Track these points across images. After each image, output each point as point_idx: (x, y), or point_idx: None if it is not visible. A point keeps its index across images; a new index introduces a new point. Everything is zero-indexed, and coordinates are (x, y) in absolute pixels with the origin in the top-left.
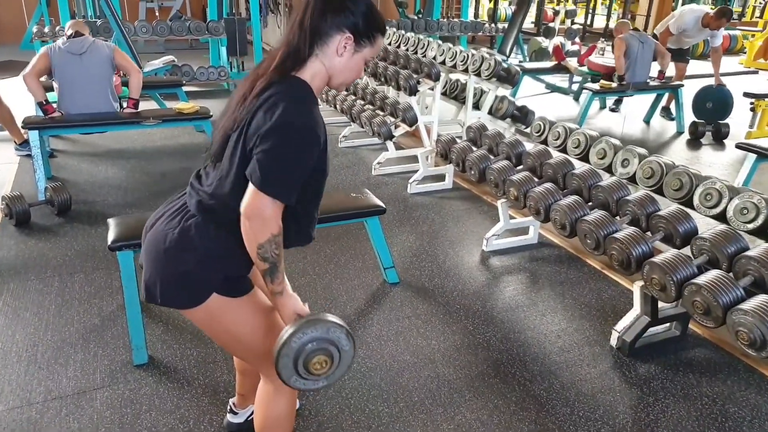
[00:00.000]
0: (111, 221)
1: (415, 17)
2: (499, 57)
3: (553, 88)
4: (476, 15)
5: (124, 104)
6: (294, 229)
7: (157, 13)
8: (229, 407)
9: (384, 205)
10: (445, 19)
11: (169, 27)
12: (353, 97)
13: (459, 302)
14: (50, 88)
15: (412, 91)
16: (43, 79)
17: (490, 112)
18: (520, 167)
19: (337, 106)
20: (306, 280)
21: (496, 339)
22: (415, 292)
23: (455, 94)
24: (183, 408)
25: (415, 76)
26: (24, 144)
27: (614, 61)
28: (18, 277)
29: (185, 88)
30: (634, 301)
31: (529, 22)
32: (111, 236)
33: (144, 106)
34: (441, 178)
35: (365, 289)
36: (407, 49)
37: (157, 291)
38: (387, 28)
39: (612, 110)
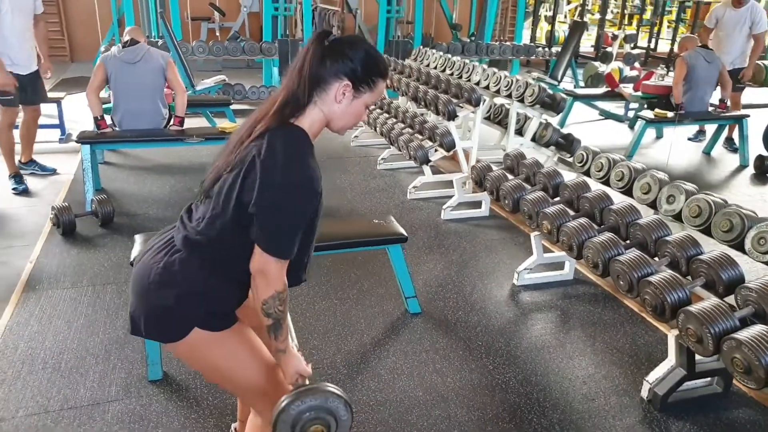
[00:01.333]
0: (137, 237)
1: (468, 40)
2: (545, 83)
3: (606, 115)
4: (533, 38)
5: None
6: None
7: (217, 34)
8: None
9: (406, 234)
10: (497, 43)
11: (224, 48)
12: (393, 120)
13: (481, 338)
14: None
15: (451, 116)
16: (104, 95)
17: (533, 139)
18: (557, 199)
19: (377, 128)
20: (326, 304)
21: (516, 381)
22: (436, 325)
23: (499, 119)
24: (189, 428)
25: (455, 101)
26: (29, 163)
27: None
28: (56, 285)
29: (237, 106)
30: (669, 351)
31: (588, 46)
32: (134, 252)
33: (195, 123)
34: (477, 205)
35: (385, 317)
36: (452, 73)
37: (141, 324)
38: (389, 71)
39: (691, 140)
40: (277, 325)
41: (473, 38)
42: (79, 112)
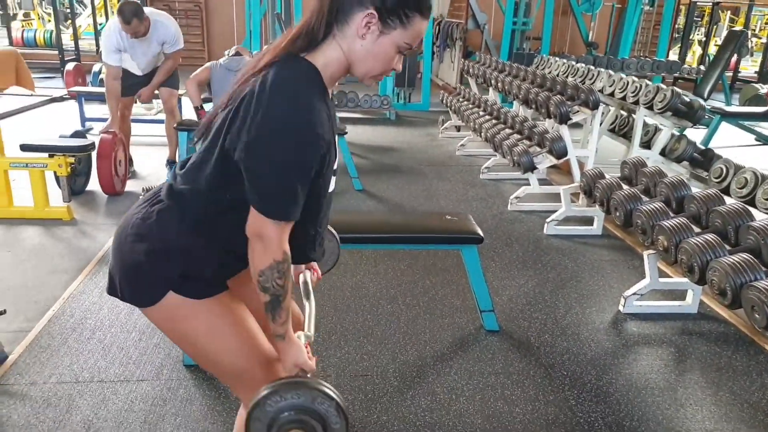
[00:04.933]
0: None
1: (603, 57)
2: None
3: (765, 140)
4: (682, 58)
5: None
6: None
7: None
8: None
9: (481, 234)
10: (634, 58)
11: None
12: (502, 126)
13: (567, 367)
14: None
15: (563, 119)
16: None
17: (662, 153)
18: (682, 214)
19: (482, 133)
20: (391, 308)
21: (604, 423)
22: (514, 346)
23: (624, 131)
24: (209, 420)
25: (569, 102)
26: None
27: None
28: None
29: (349, 114)
30: None
31: (752, 72)
32: None
33: None
34: (589, 221)
35: (455, 331)
36: (573, 80)
37: (116, 284)
38: (431, 8)
39: None
40: (275, 303)
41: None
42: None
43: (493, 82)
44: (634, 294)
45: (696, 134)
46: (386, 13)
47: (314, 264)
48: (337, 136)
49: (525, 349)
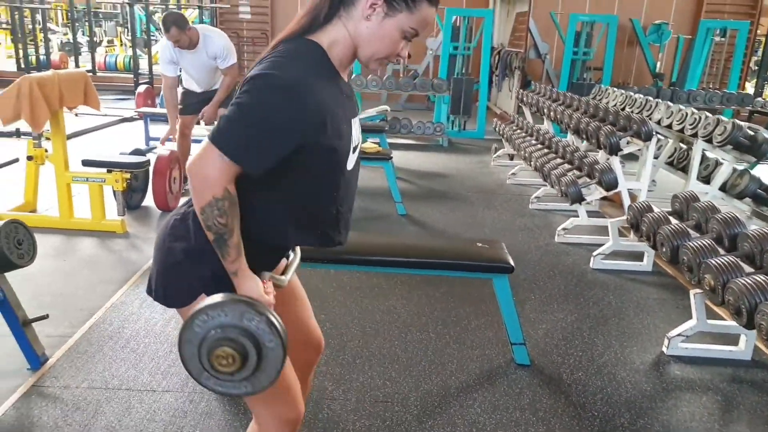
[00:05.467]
0: None
1: (668, 88)
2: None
3: None
4: (759, 92)
5: None
6: (300, 223)
7: (401, 75)
8: None
9: (512, 264)
10: (702, 90)
11: (395, 82)
12: (553, 155)
13: (599, 408)
14: None
15: (614, 150)
16: None
17: (722, 189)
18: (734, 253)
19: (531, 162)
20: (420, 336)
21: None
22: (544, 382)
23: (683, 164)
24: None
25: (620, 133)
26: None
27: None
28: None
29: (402, 140)
30: None
31: None
32: None
33: None
34: (639, 257)
35: (483, 363)
36: (631, 111)
37: (152, 284)
38: None
39: None
40: (220, 241)
41: (675, 86)
42: None
43: (545, 111)
44: (679, 335)
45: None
46: None
47: None
48: (355, 118)
49: (555, 386)
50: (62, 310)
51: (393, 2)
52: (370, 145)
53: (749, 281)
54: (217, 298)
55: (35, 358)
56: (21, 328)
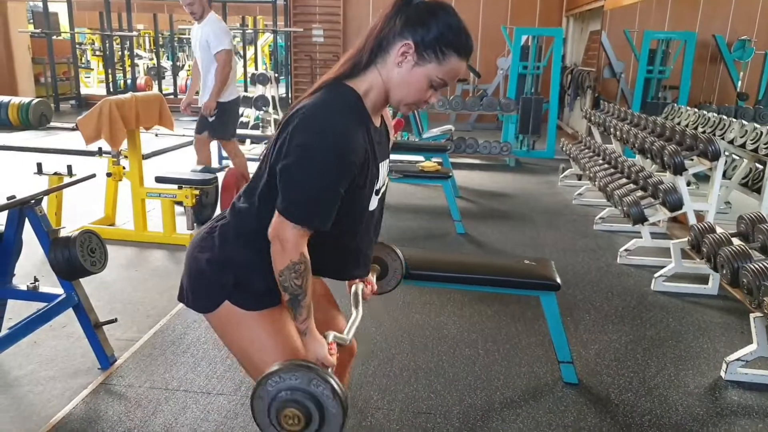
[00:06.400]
0: None
1: (751, 107)
2: None
3: None
4: None
5: None
6: (324, 256)
7: (470, 94)
8: None
9: (559, 282)
10: None
11: (462, 102)
12: (618, 175)
13: (645, 430)
14: None
15: (678, 170)
16: None
17: None
18: None
19: (596, 182)
20: (469, 352)
21: None
22: (591, 401)
23: (758, 186)
24: None
25: (685, 153)
26: None
27: None
28: None
29: (467, 160)
30: None
31: None
32: None
33: None
34: (704, 279)
35: (530, 380)
36: (704, 131)
37: (183, 291)
38: (470, 51)
39: None
40: (294, 301)
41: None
42: None
43: (612, 130)
44: (737, 359)
45: None
46: (423, 47)
47: (371, 278)
48: (385, 160)
49: (602, 406)
50: (131, 316)
51: (424, 53)
52: (431, 164)
53: None
54: (290, 363)
55: (105, 359)
56: (93, 330)
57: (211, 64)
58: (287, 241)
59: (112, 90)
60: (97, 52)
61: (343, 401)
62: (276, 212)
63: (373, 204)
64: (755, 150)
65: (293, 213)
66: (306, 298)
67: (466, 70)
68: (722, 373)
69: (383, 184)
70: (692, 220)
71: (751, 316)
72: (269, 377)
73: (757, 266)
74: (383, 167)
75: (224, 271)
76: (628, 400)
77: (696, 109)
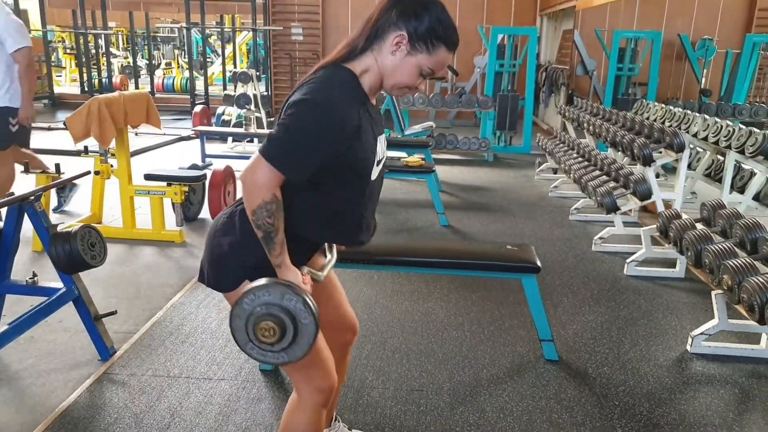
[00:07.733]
0: None
1: (713, 103)
2: None
3: None
4: None
5: None
6: (330, 223)
7: (449, 92)
8: None
9: (539, 264)
10: (748, 104)
11: (442, 99)
12: (592, 168)
13: (620, 398)
14: None
15: (647, 161)
16: None
17: (756, 198)
18: (754, 256)
19: (571, 174)
20: (456, 333)
21: None
22: (570, 375)
23: (720, 176)
24: (274, 417)
25: (653, 145)
26: None
27: None
28: None
29: (448, 156)
30: None
31: None
32: None
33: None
34: (672, 264)
35: (514, 358)
36: (670, 125)
37: (204, 272)
38: (457, 43)
39: None
40: (267, 238)
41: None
42: None
43: (586, 125)
44: (701, 333)
45: None
46: (415, 38)
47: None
48: (381, 136)
49: (581, 379)
50: (127, 310)
51: (416, 44)
52: (415, 159)
53: (762, 279)
54: (263, 281)
55: (105, 350)
56: (93, 322)
57: (7, 72)
58: (261, 183)
59: (87, 89)
60: (68, 51)
61: (315, 312)
62: (255, 155)
63: (375, 173)
64: (716, 143)
65: (271, 153)
66: (278, 235)
67: (445, 68)
68: (688, 347)
69: (383, 156)
70: (660, 207)
71: (713, 293)
72: (244, 296)
73: (717, 248)
74: (381, 140)
75: (246, 252)
76: (604, 374)
77: (663, 105)
